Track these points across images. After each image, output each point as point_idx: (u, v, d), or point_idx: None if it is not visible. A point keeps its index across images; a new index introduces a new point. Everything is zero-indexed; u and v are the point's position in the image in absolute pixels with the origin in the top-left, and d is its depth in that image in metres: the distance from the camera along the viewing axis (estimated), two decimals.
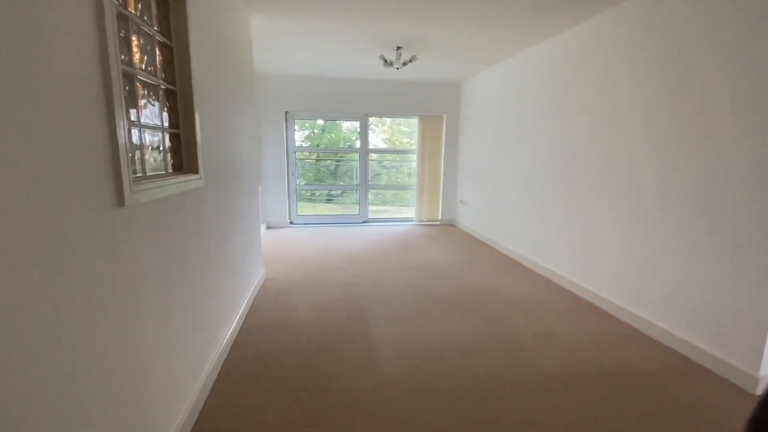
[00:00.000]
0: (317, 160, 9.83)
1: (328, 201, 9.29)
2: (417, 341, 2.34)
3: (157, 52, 1.50)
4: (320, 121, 10.41)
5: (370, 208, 9.62)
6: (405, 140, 10.06)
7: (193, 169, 1.73)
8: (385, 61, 3.93)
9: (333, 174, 9.41)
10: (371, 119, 6.86)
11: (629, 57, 2.58)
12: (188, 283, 1.62)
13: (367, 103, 5.63)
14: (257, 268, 3.17)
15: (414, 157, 6.11)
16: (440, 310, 2.78)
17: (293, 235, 5.21)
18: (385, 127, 11.72)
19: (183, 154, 1.70)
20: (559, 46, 3.34)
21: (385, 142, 11.69)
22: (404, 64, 3.97)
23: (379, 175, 10.49)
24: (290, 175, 5.70)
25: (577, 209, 3.14)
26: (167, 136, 1.59)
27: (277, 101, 5.39)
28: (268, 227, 5.60)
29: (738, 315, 1.92)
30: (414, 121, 5.99)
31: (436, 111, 5.82)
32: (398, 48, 3.82)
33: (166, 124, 1.58)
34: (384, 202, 9.56)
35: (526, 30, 3.26)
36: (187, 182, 1.57)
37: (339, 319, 2.61)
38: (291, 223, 5.83)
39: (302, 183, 9.35)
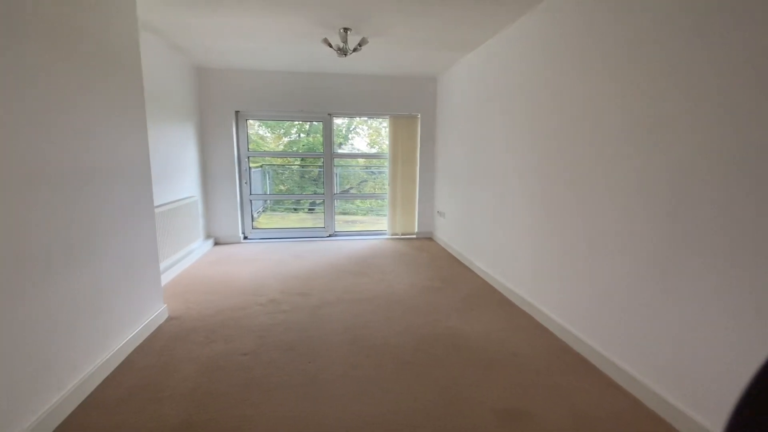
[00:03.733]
0: (302, 166, 9.17)
1: (310, 211, 8.62)
2: (331, 428, 1.61)
3: None
4: (305, 124, 9.77)
5: (348, 218, 8.87)
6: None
7: None
8: (330, 45, 3.24)
9: (316, 181, 8.73)
10: (343, 120, 6.23)
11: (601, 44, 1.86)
12: None
13: (330, 102, 4.93)
14: (149, 307, 2.46)
15: (386, 162, 5.39)
16: (378, 373, 2.04)
17: (242, 253, 4.50)
18: (370, 131, 11.04)
19: None
20: (535, 27, 2.63)
21: (370, 146, 11.00)
22: (355, 49, 3.27)
23: (365, 181, 9.79)
24: (242, 183, 4.99)
25: (561, 226, 2.41)
26: None
27: (224, 99, 4.69)
28: (216, 243, 4.89)
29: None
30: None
31: (410, 110, 5.11)
32: (345, 30, 3.13)
33: None
34: (368, 212, 8.87)
35: (488, 8, 2.56)
36: None
37: (227, 390, 1.88)
38: (245, 238, 5.11)
39: (282, 190, 8.69)
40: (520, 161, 2.91)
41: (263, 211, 7.51)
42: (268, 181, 7.29)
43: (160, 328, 2.51)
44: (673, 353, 1.64)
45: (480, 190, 3.68)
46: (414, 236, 5.44)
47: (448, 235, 4.73)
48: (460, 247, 4.25)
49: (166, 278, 3.39)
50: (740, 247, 1.36)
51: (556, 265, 2.47)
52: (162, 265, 3.33)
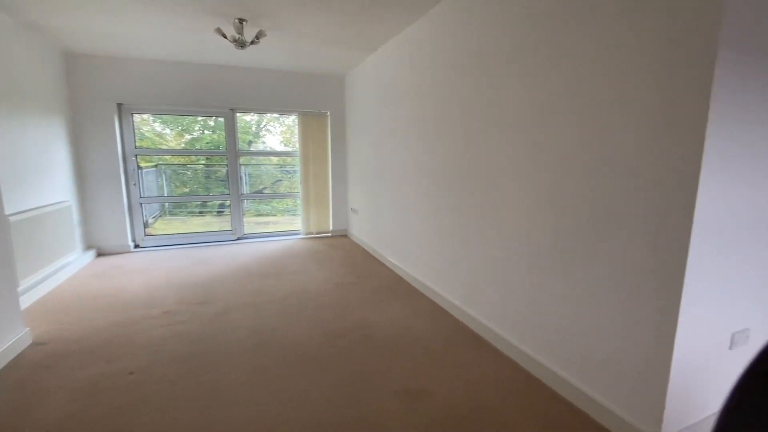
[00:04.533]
0: (207, 165, 8.44)
1: (219, 214, 8.01)
2: None
3: None
4: (209, 120, 9.01)
5: (263, 220, 8.46)
6: None
7: None
8: (224, 36, 3.05)
9: (224, 182, 8.14)
10: (253, 117, 5.93)
11: (508, 37, 2.10)
12: None
13: (232, 96, 4.65)
14: (2, 334, 2.07)
15: (297, 160, 5.27)
16: (284, 373, 2.00)
17: (131, 263, 4.01)
18: (283, 128, 10.65)
19: None
20: (429, 28, 2.81)
21: (285, 144, 10.62)
22: (253, 42, 3.14)
23: (280, 181, 9.42)
24: (130, 184, 4.45)
25: (454, 218, 2.62)
26: None
27: (103, 91, 4.12)
28: (100, 254, 4.28)
29: (635, 365, 1.47)
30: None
31: (319, 107, 5.07)
32: (240, 21, 2.98)
33: None
34: (285, 212, 8.56)
35: (383, 11, 2.67)
36: None
37: (108, 413, 1.68)
38: (136, 246, 4.57)
39: (186, 192, 7.91)
40: (416, 158, 3.09)
41: (160, 215, 6.79)
42: (165, 183, 6.60)
43: (20, 357, 2.13)
44: (554, 326, 1.90)
45: (385, 186, 3.82)
46: (329, 234, 5.42)
47: (361, 232, 4.81)
48: (373, 243, 4.36)
49: (30, 298, 2.88)
50: (611, 234, 1.63)
51: (453, 253, 2.68)
52: (25, 283, 2.82)
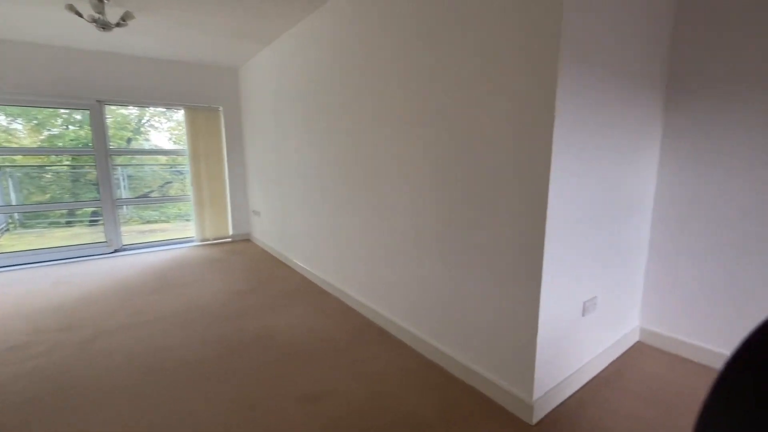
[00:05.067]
0: (73, 167, 7.11)
1: (93, 223, 6.80)
2: None
3: None
4: (75, 113, 7.64)
5: (150, 228, 7.51)
6: None
7: None
8: (80, 15, 2.60)
9: (97, 185, 6.94)
10: (133, 110, 5.23)
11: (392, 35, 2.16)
12: None
13: (100, 86, 4.00)
14: None
15: (185, 159, 4.77)
16: (173, 396, 1.78)
17: None
18: (171, 123, 9.56)
19: None
20: (320, 23, 2.78)
21: (175, 142, 9.54)
22: (119, 24, 2.73)
23: (170, 183, 8.41)
24: None
25: (352, 215, 2.65)
26: None
27: None
28: None
29: (507, 335, 1.65)
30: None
31: (210, 101, 4.66)
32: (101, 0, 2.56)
33: None
34: (177, 217, 7.68)
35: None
36: None
37: None
38: None
39: (45, 199, 6.54)
40: (314, 156, 3.04)
41: (6, 229, 5.54)
42: (12, 189, 5.40)
43: None
44: (445, 312, 2.02)
45: (288, 186, 3.68)
46: (229, 240, 5.04)
47: (265, 235, 4.57)
48: (279, 246, 4.17)
49: None
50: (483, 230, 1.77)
51: (354, 250, 2.70)
52: None
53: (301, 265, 3.59)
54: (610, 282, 1.93)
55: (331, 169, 2.88)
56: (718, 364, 1.95)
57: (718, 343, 1.96)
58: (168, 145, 9.37)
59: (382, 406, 1.71)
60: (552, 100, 1.37)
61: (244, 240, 5.09)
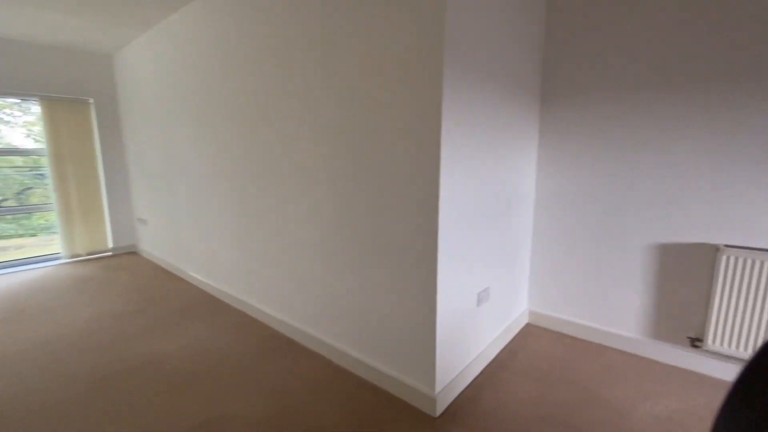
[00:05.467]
0: None
1: None
2: None
3: None
4: None
5: (3, 244, 6.21)
6: None
7: None
8: None
9: None
10: None
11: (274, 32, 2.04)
12: None
13: None
14: None
15: (45, 161, 3.98)
16: None
17: None
18: (31, 118, 7.95)
19: None
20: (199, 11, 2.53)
21: (35, 140, 7.93)
22: None
23: (30, 189, 6.97)
24: None
25: (254, 221, 2.46)
26: None
27: None
28: None
29: (406, 331, 1.68)
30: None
31: (76, 92, 3.95)
32: None
33: None
34: (41, 230, 6.39)
35: None
36: None
37: None
38: None
39: None
40: (208, 158, 2.77)
41: None
42: None
43: None
44: (350, 315, 1.97)
45: (180, 190, 3.29)
46: (109, 254, 4.35)
47: (155, 246, 4.03)
48: (171, 258, 3.71)
49: None
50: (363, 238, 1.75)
51: (257, 258, 2.52)
52: None
53: (198, 277, 3.25)
54: (501, 272, 2.10)
55: (226, 170, 2.64)
56: (591, 337, 2.25)
57: (590, 319, 2.27)
58: (27, 144, 7.77)
59: (290, 423, 1.60)
60: (439, 100, 1.42)
61: (128, 253, 4.44)
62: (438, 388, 1.64)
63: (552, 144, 2.27)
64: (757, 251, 1.69)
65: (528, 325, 2.48)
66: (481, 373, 1.95)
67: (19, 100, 6.79)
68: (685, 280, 1.93)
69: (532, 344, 2.24)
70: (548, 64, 2.21)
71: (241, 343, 2.29)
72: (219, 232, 2.86)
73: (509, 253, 2.17)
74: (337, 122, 1.81)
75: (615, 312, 2.17)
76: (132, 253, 4.45)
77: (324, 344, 2.11)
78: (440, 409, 1.65)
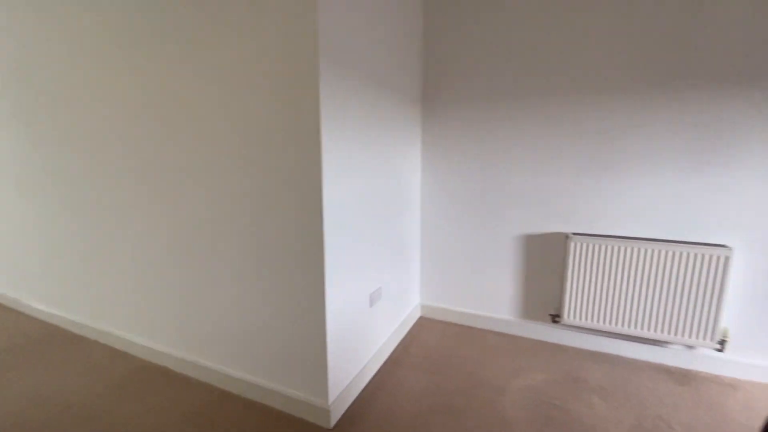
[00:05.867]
0: None
1: None
2: None
3: None
4: None
5: None
6: None
7: None
8: None
9: None
10: None
11: None
12: None
13: None
14: None
15: None
16: None
17: None
18: None
19: None
20: None
21: None
22: None
23: None
24: None
25: (105, 235, 2.08)
26: None
27: None
28: None
29: (293, 343, 1.59)
30: None
31: None
32: None
33: None
34: None
35: None
36: None
37: None
38: None
39: None
40: (28, 155, 2.25)
41: None
42: None
43: None
44: (230, 333, 1.78)
45: (12, 201, 2.62)
46: None
47: None
48: (4, 287, 2.94)
49: None
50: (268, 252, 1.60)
51: (119, 280, 2.13)
52: None
53: (43, 308, 2.63)
54: (393, 270, 2.14)
55: (73, 174, 2.18)
56: (475, 324, 2.44)
57: (473, 307, 2.46)
58: None
59: None
60: (317, 102, 1.36)
61: None
62: (332, 397, 1.58)
63: (434, 145, 2.40)
64: (597, 237, 2.02)
65: (421, 318, 2.59)
66: (378, 372, 1.95)
67: None
68: (545, 265, 2.22)
69: (424, 337, 2.33)
70: (429, 69, 2.33)
71: (98, 383, 1.91)
72: (69, 253, 2.35)
73: (400, 251, 2.22)
74: (215, 125, 1.62)
75: (493, 298, 2.39)
76: None
77: (204, 369, 1.88)
78: (335, 419, 1.59)
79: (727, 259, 1.78)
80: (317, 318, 1.51)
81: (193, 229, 1.77)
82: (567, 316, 2.13)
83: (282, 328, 1.61)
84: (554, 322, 2.22)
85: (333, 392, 1.59)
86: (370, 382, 1.88)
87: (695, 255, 1.83)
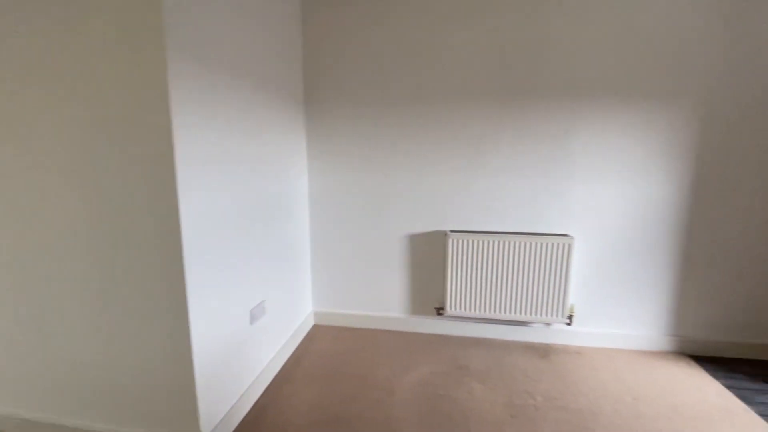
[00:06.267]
0: None
1: None
2: None
3: None
4: None
5: None
6: None
7: None
8: None
9: None
10: None
11: None
12: None
13: None
14: None
15: None
16: None
17: None
18: None
19: None
20: None
21: None
22: None
23: None
24: None
25: None
26: None
27: None
28: None
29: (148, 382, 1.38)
30: None
31: None
32: None
33: None
34: None
35: None
36: None
37: None
38: None
39: None
40: None
41: None
42: None
43: None
44: (90, 378, 1.46)
45: None
46: None
47: None
48: None
49: None
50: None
51: None
52: None
53: None
54: (280, 281, 2.02)
55: None
56: (368, 325, 2.46)
57: (366, 308, 2.47)
58: None
59: None
60: (166, 101, 1.18)
61: None
62: (206, 430, 1.41)
63: (320, 150, 2.34)
64: (470, 233, 2.20)
65: (315, 326, 2.51)
66: (266, 390, 1.82)
67: None
68: (430, 261, 2.34)
69: (317, 345, 2.26)
70: (309, 72, 2.26)
71: None
72: None
73: (288, 258, 2.11)
74: (28, 119, 1.30)
75: (384, 297, 2.44)
76: None
77: (54, 426, 1.51)
78: None
79: (569, 246, 2.10)
80: (180, 345, 1.33)
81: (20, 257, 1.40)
82: (450, 308, 2.28)
83: (139, 363, 1.38)
84: (439, 314, 2.36)
85: (207, 425, 1.42)
86: (257, 403, 1.74)
87: (546, 244, 2.12)
